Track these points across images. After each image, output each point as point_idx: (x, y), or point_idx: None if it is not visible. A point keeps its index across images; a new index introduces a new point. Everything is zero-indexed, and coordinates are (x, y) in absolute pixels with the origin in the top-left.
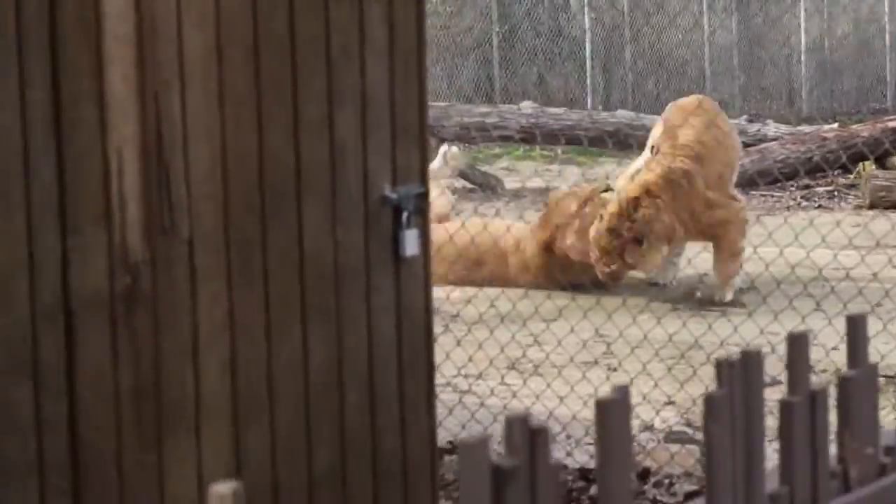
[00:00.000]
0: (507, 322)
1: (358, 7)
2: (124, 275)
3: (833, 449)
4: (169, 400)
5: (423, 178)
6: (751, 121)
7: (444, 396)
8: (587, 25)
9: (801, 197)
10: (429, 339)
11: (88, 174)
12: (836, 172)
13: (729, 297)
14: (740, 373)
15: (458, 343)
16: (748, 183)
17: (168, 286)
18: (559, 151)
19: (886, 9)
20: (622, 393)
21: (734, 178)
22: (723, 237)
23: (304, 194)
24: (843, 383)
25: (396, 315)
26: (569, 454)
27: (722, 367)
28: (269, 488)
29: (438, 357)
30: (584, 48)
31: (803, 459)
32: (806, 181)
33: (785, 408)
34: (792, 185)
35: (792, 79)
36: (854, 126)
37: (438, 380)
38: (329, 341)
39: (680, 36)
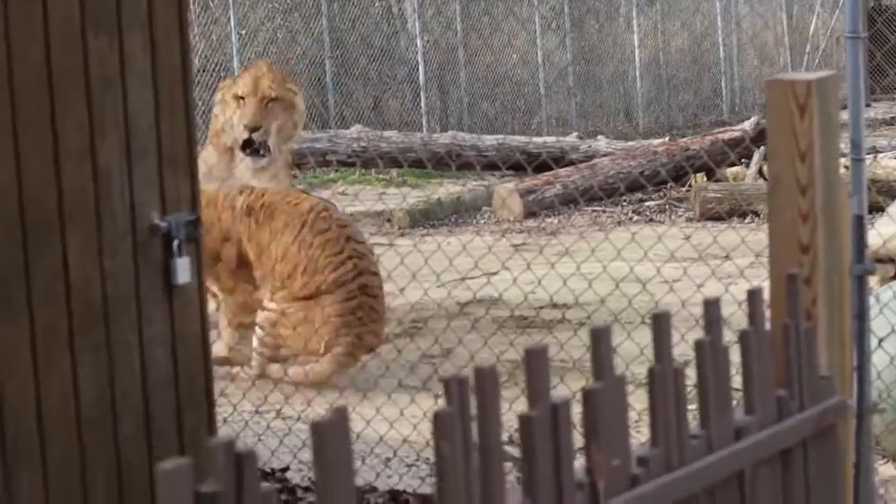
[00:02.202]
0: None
1: (118, 36)
2: None
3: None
4: None
5: (194, 205)
6: (581, 138)
7: (269, 424)
8: (420, 48)
9: (633, 211)
10: (207, 368)
11: None
12: (668, 186)
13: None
14: (475, 389)
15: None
16: (579, 198)
17: None
18: (395, 174)
19: (720, 23)
20: (340, 415)
21: None
22: None
23: (67, 225)
24: (588, 395)
25: (171, 344)
26: (387, 476)
27: (450, 384)
28: None
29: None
30: (419, 71)
31: (546, 472)
32: (638, 195)
33: (525, 422)
34: (624, 200)
35: (629, 95)
36: (683, 139)
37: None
38: (100, 373)
39: (515, 56)
